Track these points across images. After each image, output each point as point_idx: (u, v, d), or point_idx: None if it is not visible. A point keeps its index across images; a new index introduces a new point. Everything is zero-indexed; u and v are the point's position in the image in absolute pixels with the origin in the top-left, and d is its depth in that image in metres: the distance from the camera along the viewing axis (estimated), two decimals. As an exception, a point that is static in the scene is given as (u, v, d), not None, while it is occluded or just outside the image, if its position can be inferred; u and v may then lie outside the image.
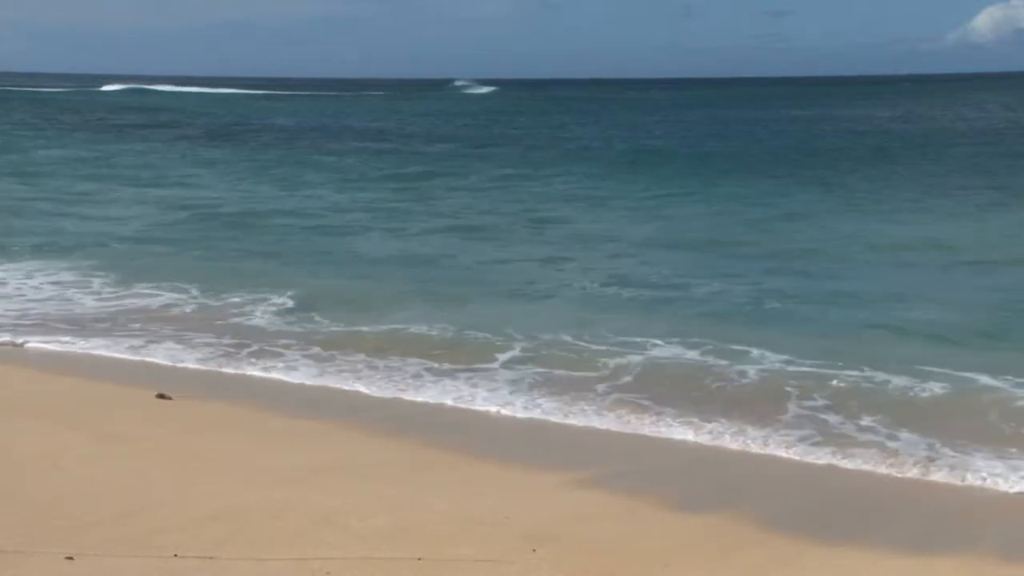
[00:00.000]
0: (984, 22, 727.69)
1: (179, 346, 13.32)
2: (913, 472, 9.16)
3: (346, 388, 11.74)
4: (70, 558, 6.73)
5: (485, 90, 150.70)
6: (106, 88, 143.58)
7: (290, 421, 10.51)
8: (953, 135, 52.59)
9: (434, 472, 9.03)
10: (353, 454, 9.53)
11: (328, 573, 6.69)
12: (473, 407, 11.06)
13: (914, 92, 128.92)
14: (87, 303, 15.89)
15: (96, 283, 17.09)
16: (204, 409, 10.81)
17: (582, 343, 13.21)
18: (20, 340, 13.50)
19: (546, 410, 10.87)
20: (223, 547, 7.02)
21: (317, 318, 14.70)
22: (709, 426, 10.26)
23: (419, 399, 11.36)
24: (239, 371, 12.40)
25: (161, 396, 11.02)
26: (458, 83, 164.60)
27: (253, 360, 12.74)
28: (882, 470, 9.21)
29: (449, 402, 11.20)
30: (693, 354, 12.70)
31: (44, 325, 14.42)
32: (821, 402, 11.00)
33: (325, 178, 34.31)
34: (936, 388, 11.32)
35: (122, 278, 17.34)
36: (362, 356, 12.83)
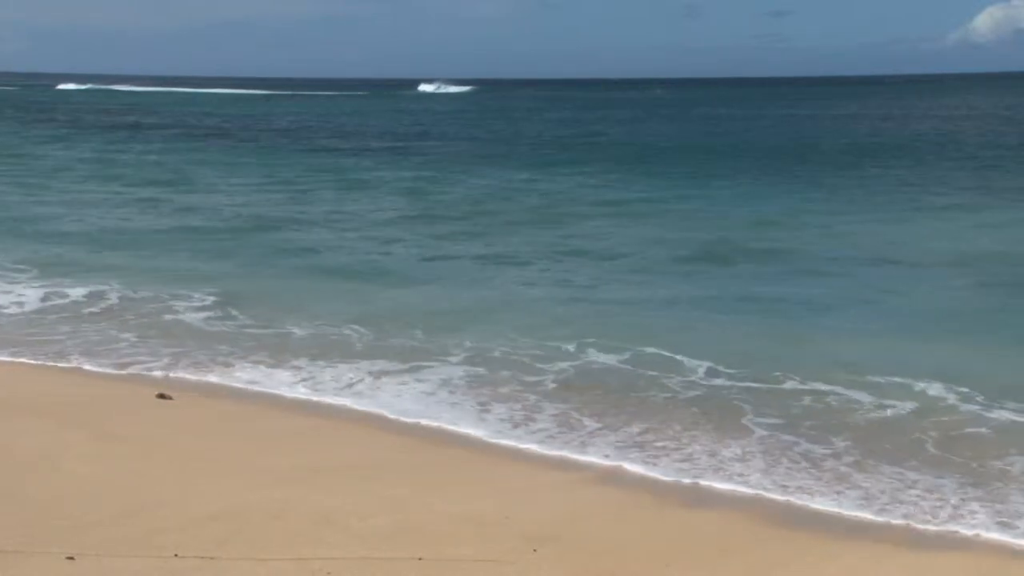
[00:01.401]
0: (984, 22, 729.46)
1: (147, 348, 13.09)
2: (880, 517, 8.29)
3: (302, 397, 11.40)
4: (70, 558, 6.73)
5: (457, 89, 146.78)
6: (62, 87, 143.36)
7: (290, 421, 10.50)
8: (948, 135, 52.56)
9: (434, 472, 9.03)
10: (353, 454, 9.54)
11: (328, 573, 6.69)
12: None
13: (914, 92, 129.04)
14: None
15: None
16: (204, 409, 10.79)
17: (535, 350, 12.83)
18: None
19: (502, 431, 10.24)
20: (223, 547, 7.02)
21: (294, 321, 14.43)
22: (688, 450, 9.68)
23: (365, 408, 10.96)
24: (222, 379, 12.04)
25: (161, 396, 11.02)
26: (425, 88, 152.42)
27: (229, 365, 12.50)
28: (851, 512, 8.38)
29: (386, 413, 10.76)
30: (643, 362, 12.34)
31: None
32: (779, 421, 10.38)
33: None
34: (905, 404, 10.78)
35: (117, 277, 17.35)
36: (305, 359, 12.60)
